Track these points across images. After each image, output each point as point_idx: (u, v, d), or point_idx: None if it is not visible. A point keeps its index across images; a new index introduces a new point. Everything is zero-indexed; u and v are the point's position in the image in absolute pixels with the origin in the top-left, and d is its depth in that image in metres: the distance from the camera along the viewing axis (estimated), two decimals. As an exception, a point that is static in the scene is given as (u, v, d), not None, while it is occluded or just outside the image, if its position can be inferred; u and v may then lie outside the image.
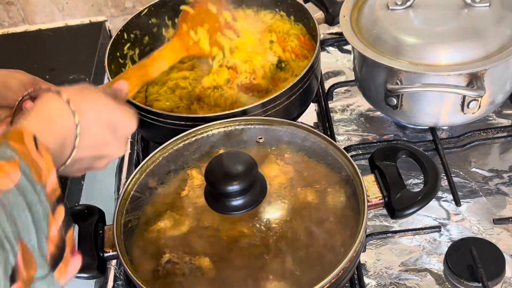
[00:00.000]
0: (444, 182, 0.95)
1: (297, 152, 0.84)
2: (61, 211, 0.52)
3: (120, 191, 0.87)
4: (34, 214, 0.48)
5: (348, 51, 1.26)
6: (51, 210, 0.50)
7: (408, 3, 0.96)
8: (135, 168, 0.85)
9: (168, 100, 1.02)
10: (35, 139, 0.52)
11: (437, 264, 0.87)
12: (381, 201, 0.78)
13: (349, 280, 0.80)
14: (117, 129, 0.65)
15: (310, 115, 1.12)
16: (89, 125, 0.60)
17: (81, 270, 0.74)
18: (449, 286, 0.84)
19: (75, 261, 0.54)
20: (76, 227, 0.78)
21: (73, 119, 0.59)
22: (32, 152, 0.51)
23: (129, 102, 0.95)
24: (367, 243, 0.90)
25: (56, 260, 0.51)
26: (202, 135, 0.87)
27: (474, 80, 0.89)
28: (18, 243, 0.46)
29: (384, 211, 0.80)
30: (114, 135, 0.64)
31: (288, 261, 0.71)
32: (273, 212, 0.76)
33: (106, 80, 1.02)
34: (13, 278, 0.46)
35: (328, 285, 0.68)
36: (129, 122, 0.68)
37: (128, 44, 1.11)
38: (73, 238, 0.54)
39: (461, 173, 0.99)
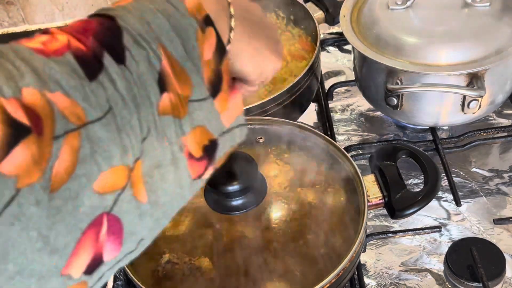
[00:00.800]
0: (444, 182, 0.95)
1: (297, 152, 0.84)
2: (211, 33, 0.46)
3: (120, 191, 0.86)
4: (174, 22, 0.43)
5: (348, 51, 1.26)
6: (199, 27, 0.45)
7: (408, 3, 0.96)
8: (135, 168, 0.84)
9: None
10: None
11: (437, 264, 0.87)
12: (381, 201, 0.78)
13: (349, 280, 0.80)
14: (265, 28, 0.56)
15: (310, 115, 1.12)
16: (239, 10, 0.52)
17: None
18: (449, 286, 0.84)
19: (235, 98, 0.48)
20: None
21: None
22: None
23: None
24: (367, 243, 0.89)
25: (215, 87, 0.46)
26: (202, 135, 0.87)
27: (474, 80, 0.89)
28: (159, 47, 0.42)
29: (384, 211, 0.80)
30: (264, 33, 0.55)
31: (288, 261, 0.71)
32: (273, 212, 0.76)
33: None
34: (162, 86, 0.41)
35: (328, 285, 0.68)
36: (274, 27, 0.59)
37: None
38: (229, 71, 0.48)
39: (461, 173, 0.99)
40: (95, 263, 0.38)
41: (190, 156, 0.43)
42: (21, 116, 0.34)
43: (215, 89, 0.45)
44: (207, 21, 0.45)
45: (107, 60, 0.39)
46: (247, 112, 0.89)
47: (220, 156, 0.48)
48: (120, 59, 0.39)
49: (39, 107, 0.35)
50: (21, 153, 0.34)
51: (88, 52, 0.38)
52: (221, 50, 0.46)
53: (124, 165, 0.38)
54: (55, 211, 0.35)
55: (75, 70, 0.37)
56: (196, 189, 0.45)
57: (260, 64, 0.54)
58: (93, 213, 0.37)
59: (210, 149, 0.45)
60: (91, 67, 0.38)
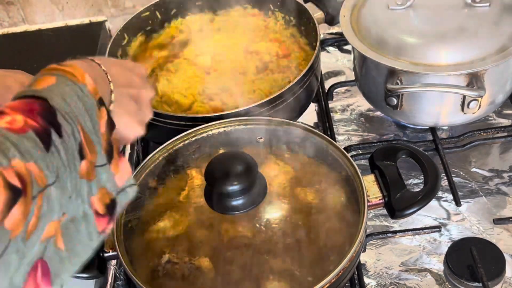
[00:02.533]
0: (444, 182, 0.95)
1: (297, 152, 0.84)
2: (104, 111, 0.57)
3: (120, 191, 0.87)
4: (84, 103, 0.54)
5: (348, 51, 1.26)
6: (97, 106, 0.56)
7: (408, 3, 0.96)
8: (135, 168, 0.85)
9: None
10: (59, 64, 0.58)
11: (437, 264, 0.87)
12: (381, 201, 0.78)
13: (349, 280, 0.80)
14: (134, 69, 0.70)
15: (310, 115, 1.12)
16: (112, 68, 0.64)
17: (81, 270, 0.74)
18: (449, 286, 0.84)
19: (123, 163, 0.58)
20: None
21: (97, 63, 0.63)
22: (59, 67, 0.57)
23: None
24: (367, 243, 0.89)
25: (109, 154, 0.56)
26: (202, 135, 0.87)
27: (474, 80, 0.89)
28: (78, 123, 0.52)
29: (384, 211, 0.80)
30: (135, 75, 0.69)
31: (288, 261, 0.71)
32: (273, 212, 0.76)
33: (106, 80, 1.02)
34: (81, 155, 0.52)
35: (328, 285, 0.68)
36: (140, 66, 0.73)
37: (128, 44, 1.12)
38: (117, 141, 0.59)
39: (461, 173, 0.99)
40: None
41: (97, 213, 0.53)
42: (16, 182, 0.44)
43: (109, 156, 0.56)
44: (101, 102, 0.57)
45: (54, 135, 0.49)
46: (247, 112, 0.89)
47: (118, 212, 0.57)
48: (59, 133, 0.50)
49: (25, 175, 0.45)
50: (17, 211, 0.44)
51: (41, 129, 0.49)
52: (111, 124, 0.58)
53: (58, 219, 0.48)
54: (22, 256, 0.44)
55: (37, 143, 0.47)
56: (100, 241, 0.54)
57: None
58: (33, 259, 0.46)
59: (110, 207, 0.55)
60: (45, 141, 0.48)
